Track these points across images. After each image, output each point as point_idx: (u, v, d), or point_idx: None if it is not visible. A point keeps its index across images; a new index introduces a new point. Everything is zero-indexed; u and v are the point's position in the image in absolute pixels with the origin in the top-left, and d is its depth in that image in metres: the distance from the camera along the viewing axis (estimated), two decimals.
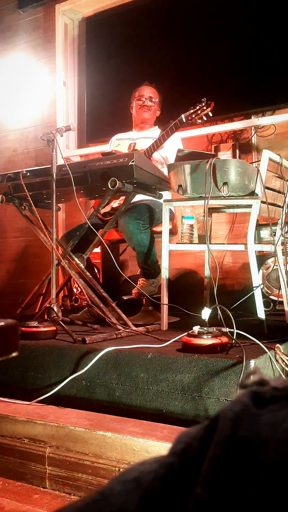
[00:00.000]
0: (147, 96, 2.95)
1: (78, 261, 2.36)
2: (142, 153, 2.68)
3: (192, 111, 2.61)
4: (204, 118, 2.61)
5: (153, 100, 2.96)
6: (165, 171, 2.83)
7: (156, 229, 2.64)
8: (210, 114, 2.60)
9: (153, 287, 2.64)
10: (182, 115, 2.62)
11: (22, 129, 4.57)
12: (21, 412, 1.65)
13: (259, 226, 2.83)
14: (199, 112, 2.60)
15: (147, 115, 2.98)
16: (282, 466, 0.27)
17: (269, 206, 2.19)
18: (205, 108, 2.59)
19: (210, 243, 2.22)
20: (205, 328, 1.71)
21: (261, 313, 2.09)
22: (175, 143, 2.82)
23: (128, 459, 1.39)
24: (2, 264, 4.67)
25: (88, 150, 4.07)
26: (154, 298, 2.43)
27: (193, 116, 2.60)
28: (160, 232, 2.38)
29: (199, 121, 2.61)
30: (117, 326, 2.17)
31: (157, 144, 2.69)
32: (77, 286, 3.28)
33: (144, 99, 2.96)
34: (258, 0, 3.33)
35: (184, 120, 2.60)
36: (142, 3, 3.86)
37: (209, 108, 2.59)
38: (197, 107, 2.60)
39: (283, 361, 1.67)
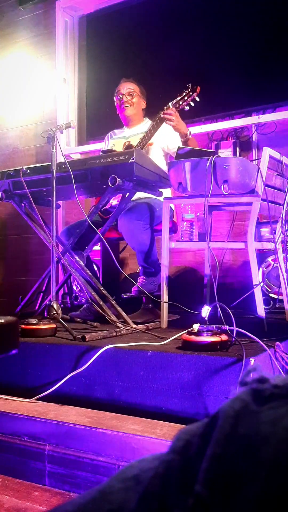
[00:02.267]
0: (125, 92, 2.88)
1: (78, 259, 2.35)
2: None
3: (179, 97, 2.58)
4: (192, 104, 2.57)
5: (132, 94, 2.88)
6: (161, 160, 2.81)
7: (156, 227, 2.64)
8: (197, 99, 2.56)
9: (153, 285, 2.64)
10: (170, 103, 2.59)
11: (22, 126, 4.56)
12: (21, 410, 1.65)
13: (259, 224, 2.83)
14: (185, 98, 2.57)
15: (130, 111, 2.91)
16: (281, 464, 0.27)
17: (269, 204, 2.19)
18: (191, 93, 2.56)
19: (210, 241, 2.22)
20: (205, 326, 1.71)
21: (261, 311, 2.09)
22: (167, 128, 2.80)
23: (128, 456, 1.39)
24: (2, 262, 4.67)
25: (88, 147, 4.06)
26: (154, 296, 2.43)
27: (180, 102, 2.57)
28: (160, 230, 2.38)
29: (187, 107, 2.58)
30: (117, 323, 2.17)
31: (147, 137, 2.67)
32: (77, 283, 3.28)
33: (121, 96, 2.89)
34: None
35: (171, 107, 2.58)
36: None
37: (195, 93, 2.56)
38: (184, 93, 2.58)
39: (283, 359, 1.67)
